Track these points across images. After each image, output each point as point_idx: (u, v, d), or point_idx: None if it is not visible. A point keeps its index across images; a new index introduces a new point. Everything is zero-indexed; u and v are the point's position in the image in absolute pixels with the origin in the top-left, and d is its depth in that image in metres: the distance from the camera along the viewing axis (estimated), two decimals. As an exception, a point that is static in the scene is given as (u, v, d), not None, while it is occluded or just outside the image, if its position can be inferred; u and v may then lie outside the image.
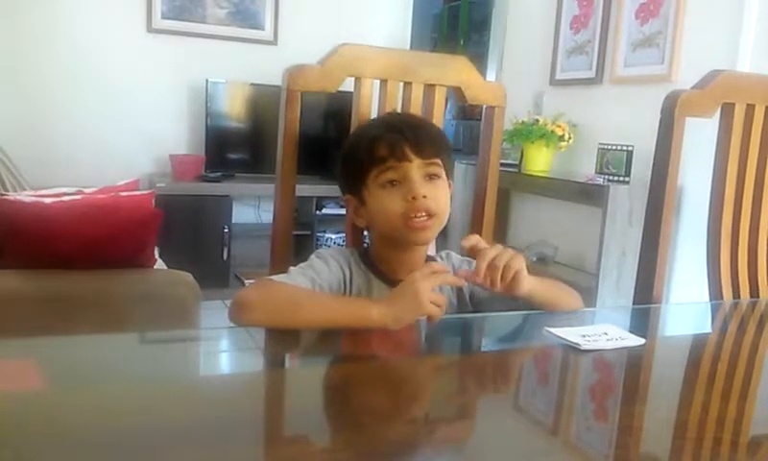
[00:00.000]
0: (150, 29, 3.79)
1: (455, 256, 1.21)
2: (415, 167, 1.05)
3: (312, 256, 1.09)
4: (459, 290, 1.16)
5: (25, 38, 3.56)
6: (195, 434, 0.63)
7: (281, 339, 0.92)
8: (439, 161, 1.09)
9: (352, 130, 1.25)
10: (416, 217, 1.04)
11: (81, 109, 3.69)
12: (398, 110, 1.30)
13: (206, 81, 3.77)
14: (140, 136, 3.82)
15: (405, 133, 1.06)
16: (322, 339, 0.94)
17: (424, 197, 1.04)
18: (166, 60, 3.84)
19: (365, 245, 1.22)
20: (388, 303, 0.94)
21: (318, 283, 1.04)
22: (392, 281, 1.08)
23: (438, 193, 1.07)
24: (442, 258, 1.19)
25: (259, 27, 4.01)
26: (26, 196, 2.05)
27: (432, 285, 0.94)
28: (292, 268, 1.05)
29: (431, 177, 1.07)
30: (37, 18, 3.56)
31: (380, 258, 1.12)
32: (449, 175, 1.13)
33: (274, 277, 1.02)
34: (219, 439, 0.62)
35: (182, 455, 0.59)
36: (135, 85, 3.79)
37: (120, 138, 3.77)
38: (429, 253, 1.20)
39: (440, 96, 1.36)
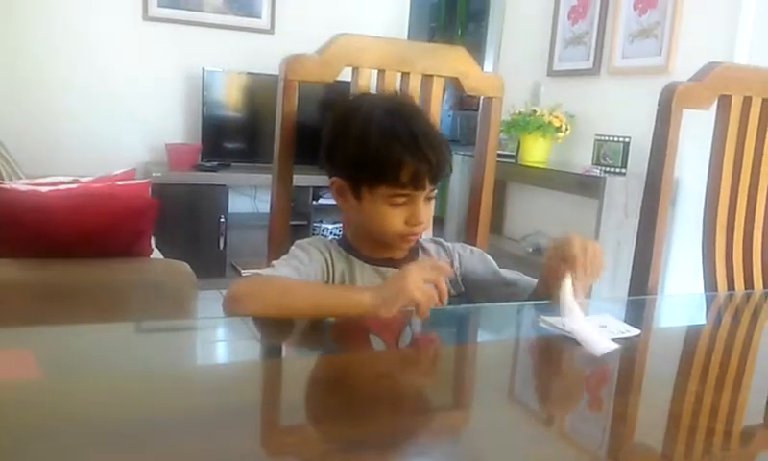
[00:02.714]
0: (146, 17, 3.77)
1: (445, 243, 1.21)
2: (425, 194, 1.06)
3: (292, 248, 1.09)
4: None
5: (20, 27, 3.53)
6: (192, 423, 0.64)
7: (278, 329, 0.92)
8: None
9: (355, 102, 1.15)
10: (409, 237, 1.07)
11: (77, 97, 3.68)
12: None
13: (203, 69, 3.76)
14: (136, 125, 3.81)
15: (430, 161, 1.03)
16: (317, 329, 0.94)
17: (422, 223, 1.07)
18: (162, 48, 3.83)
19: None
20: (378, 289, 0.94)
21: (303, 272, 1.04)
22: (373, 261, 1.10)
23: (430, 213, 1.11)
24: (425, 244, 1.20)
25: (256, 15, 3.99)
26: (22, 185, 2.05)
27: (424, 277, 0.93)
28: (275, 262, 1.05)
29: (430, 198, 1.08)
30: (33, 6, 3.54)
31: (360, 244, 1.13)
32: None
33: (260, 271, 1.02)
34: (216, 428, 0.62)
35: (179, 444, 0.60)
36: (131, 74, 3.77)
37: (116, 127, 3.76)
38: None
39: (437, 86, 1.35)
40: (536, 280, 1.15)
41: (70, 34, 3.62)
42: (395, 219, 1.05)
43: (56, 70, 3.63)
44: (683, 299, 1.70)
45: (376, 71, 1.30)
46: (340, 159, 1.10)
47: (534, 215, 3.69)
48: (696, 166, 1.72)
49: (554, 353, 0.93)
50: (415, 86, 1.33)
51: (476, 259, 1.21)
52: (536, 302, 1.09)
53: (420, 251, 1.17)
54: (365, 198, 1.07)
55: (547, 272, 1.05)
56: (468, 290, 1.18)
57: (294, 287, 0.98)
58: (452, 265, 1.17)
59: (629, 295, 1.35)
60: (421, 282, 0.92)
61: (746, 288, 1.42)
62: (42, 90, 3.62)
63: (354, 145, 1.06)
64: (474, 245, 1.38)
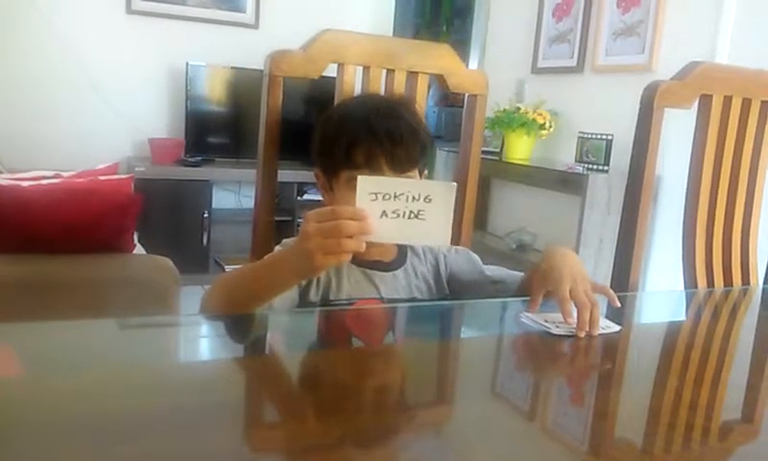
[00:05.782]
0: (129, 10, 3.73)
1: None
2: None
3: (277, 247, 1.08)
4: (436, 273, 1.17)
5: (1, 21, 3.48)
6: (175, 420, 0.64)
7: (260, 325, 0.92)
8: (413, 172, 1.07)
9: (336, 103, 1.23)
10: None
11: (58, 91, 3.63)
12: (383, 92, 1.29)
13: (186, 64, 3.72)
14: (119, 120, 3.77)
15: (384, 145, 1.02)
16: (301, 325, 0.94)
17: None
18: (146, 42, 3.79)
19: None
20: (293, 246, 0.90)
21: None
22: (361, 263, 1.09)
23: None
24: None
25: (240, 10, 3.97)
26: (3, 179, 2.02)
27: (320, 227, 0.85)
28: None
29: None
30: (14, 0, 3.49)
31: None
32: (422, 170, 1.11)
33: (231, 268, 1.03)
34: (199, 425, 0.62)
35: (162, 440, 0.60)
36: (115, 68, 3.73)
37: (99, 121, 3.72)
38: None
39: (422, 83, 1.36)
40: (521, 274, 1.15)
41: (52, 26, 3.57)
42: None
43: (38, 63, 3.58)
44: (663, 295, 1.72)
45: (361, 68, 1.30)
46: (316, 151, 1.12)
47: (517, 212, 3.71)
48: (677, 164, 1.74)
49: (535, 349, 0.94)
50: (400, 83, 1.33)
51: (462, 259, 1.21)
52: (517, 298, 1.10)
53: (410, 252, 1.17)
54: (334, 188, 1.08)
55: (532, 288, 1.03)
56: (455, 290, 1.17)
57: (236, 278, 0.99)
58: (437, 267, 1.18)
59: (610, 291, 1.36)
60: (316, 233, 0.85)
61: (725, 285, 1.44)
62: (24, 84, 3.57)
63: (320, 133, 1.10)
64: (458, 241, 1.39)
